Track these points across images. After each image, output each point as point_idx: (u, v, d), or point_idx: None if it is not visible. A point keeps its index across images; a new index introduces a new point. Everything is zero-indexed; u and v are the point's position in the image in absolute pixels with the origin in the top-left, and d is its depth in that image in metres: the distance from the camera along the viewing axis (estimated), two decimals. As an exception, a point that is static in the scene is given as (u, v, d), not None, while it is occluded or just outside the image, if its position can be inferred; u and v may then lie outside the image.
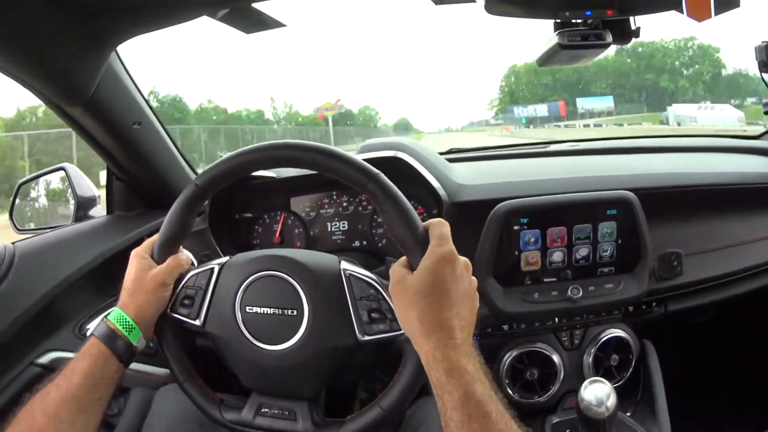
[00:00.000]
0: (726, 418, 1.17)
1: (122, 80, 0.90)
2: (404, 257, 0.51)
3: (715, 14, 1.20)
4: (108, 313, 0.58)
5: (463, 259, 0.51)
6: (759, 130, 1.28)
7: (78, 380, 0.53)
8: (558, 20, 0.88)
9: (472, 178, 0.95)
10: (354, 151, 0.98)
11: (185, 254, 0.62)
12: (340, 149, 0.56)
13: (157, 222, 0.92)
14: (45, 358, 0.81)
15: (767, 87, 1.07)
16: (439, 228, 0.51)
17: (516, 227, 0.86)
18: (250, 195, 0.94)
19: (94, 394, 0.54)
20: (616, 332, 0.94)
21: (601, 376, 0.88)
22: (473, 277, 0.52)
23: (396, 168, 0.85)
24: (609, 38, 0.89)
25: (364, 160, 0.55)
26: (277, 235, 0.93)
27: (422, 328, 0.47)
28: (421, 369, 0.48)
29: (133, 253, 0.61)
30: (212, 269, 0.58)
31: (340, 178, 0.54)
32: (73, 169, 1.08)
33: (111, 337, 0.56)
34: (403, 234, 0.51)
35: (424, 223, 0.52)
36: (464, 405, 0.43)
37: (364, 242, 0.95)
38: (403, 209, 0.51)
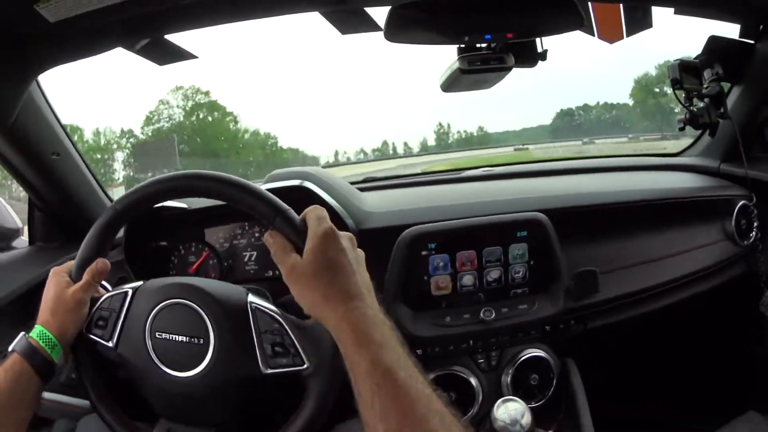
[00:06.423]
0: (653, 430, 1.18)
1: (42, 110, 0.90)
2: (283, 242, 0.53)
3: (627, 35, 1.23)
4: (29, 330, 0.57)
5: (344, 233, 0.53)
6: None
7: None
8: (460, 45, 0.89)
9: (383, 205, 0.95)
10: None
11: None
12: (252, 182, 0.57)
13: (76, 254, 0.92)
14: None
15: (681, 103, 1.09)
16: (315, 212, 0.54)
17: (424, 252, 0.86)
18: (165, 225, 0.94)
19: (14, 414, 0.53)
20: (534, 352, 0.94)
21: (521, 396, 0.88)
22: (359, 250, 0.54)
23: (303, 197, 0.86)
24: (511, 61, 0.88)
25: (270, 190, 0.57)
26: (194, 267, 0.94)
27: (329, 304, 0.48)
28: (323, 402, 0.49)
29: (52, 271, 0.61)
30: (126, 292, 0.59)
31: (249, 211, 0.56)
32: (-6, 200, 1.08)
33: (32, 354, 0.55)
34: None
35: (301, 213, 0.54)
36: (371, 374, 0.43)
37: (277, 272, 0.94)
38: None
